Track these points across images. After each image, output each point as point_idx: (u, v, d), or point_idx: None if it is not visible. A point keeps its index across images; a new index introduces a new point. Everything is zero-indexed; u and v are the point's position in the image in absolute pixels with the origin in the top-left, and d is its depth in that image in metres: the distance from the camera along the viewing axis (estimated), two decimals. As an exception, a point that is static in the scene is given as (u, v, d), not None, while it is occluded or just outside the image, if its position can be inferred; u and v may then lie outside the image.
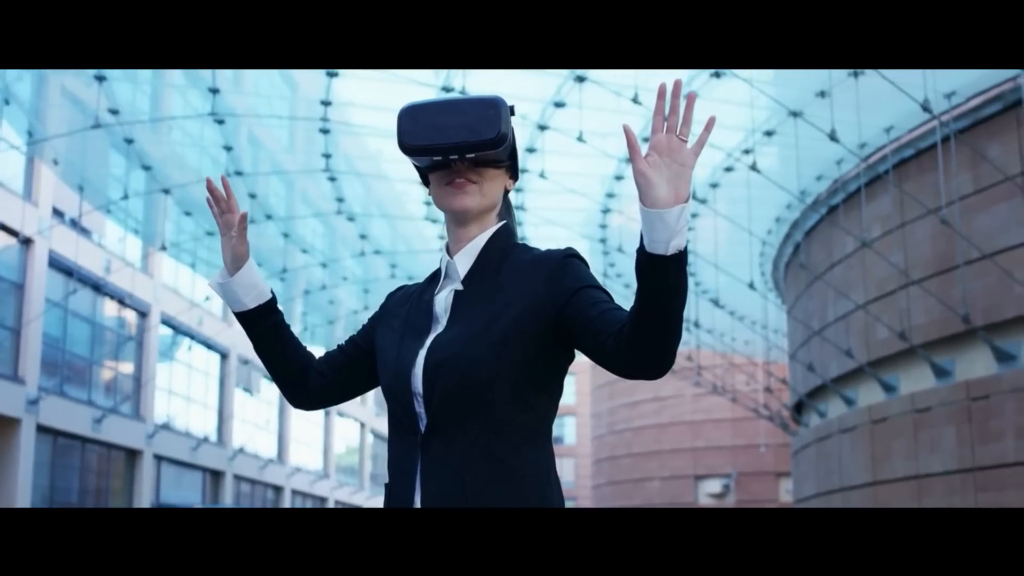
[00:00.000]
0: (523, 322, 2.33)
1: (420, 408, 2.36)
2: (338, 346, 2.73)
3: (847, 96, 15.55)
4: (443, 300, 2.47)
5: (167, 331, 29.42)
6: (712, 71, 16.21)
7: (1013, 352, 15.31)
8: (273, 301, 2.67)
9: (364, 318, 21.62)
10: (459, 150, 2.38)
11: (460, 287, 2.45)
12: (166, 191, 21.83)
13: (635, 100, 15.98)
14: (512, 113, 2.42)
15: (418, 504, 2.33)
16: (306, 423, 41.25)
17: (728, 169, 19.44)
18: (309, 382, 2.68)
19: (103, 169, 22.99)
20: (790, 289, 24.52)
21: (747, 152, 18.45)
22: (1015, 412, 14.86)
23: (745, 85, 16.23)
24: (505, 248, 2.49)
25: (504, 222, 2.54)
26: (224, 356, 33.09)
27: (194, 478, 31.02)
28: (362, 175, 23.26)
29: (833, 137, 15.12)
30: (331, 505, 42.99)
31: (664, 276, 2.06)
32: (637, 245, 2.10)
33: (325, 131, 18.82)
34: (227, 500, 32.06)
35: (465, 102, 2.40)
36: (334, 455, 44.14)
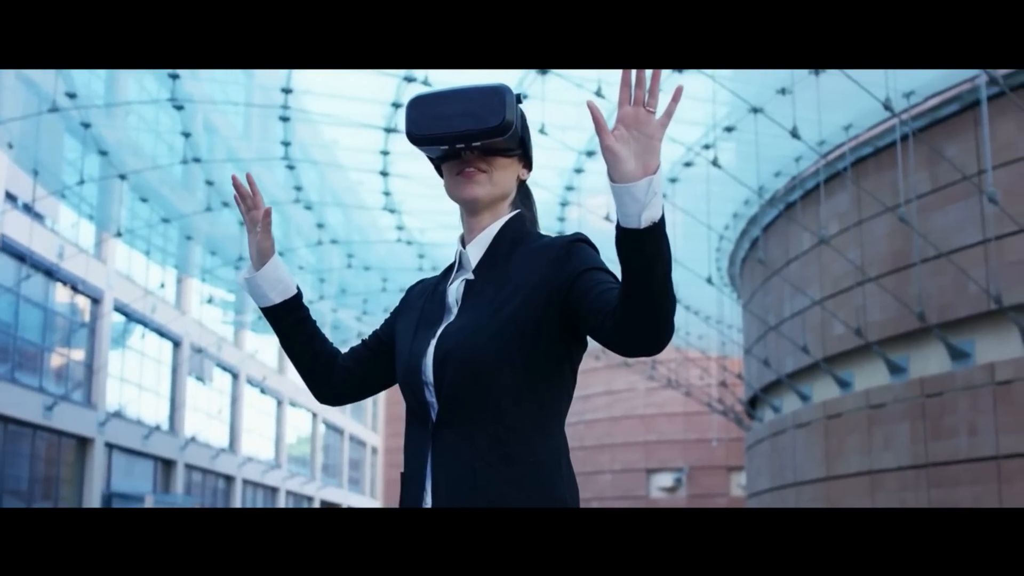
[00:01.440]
0: (528, 309, 2.32)
1: (432, 397, 2.36)
2: (362, 341, 2.74)
3: (808, 93, 15.65)
4: (455, 290, 2.47)
5: (120, 318, 29.13)
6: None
7: (967, 350, 15.48)
8: (299, 296, 2.69)
9: (319, 307, 21.47)
10: (465, 138, 2.38)
11: (471, 277, 2.45)
12: (122, 177, 21.60)
13: (598, 93, 16.00)
14: (519, 101, 2.41)
15: (429, 492, 2.33)
16: (258, 413, 41.04)
17: (688, 164, 19.51)
18: (335, 377, 2.69)
19: (58, 154, 22.72)
20: (746, 284, 24.66)
21: (707, 147, 18.53)
22: (968, 409, 15.03)
23: (707, 80, 16.28)
24: (517, 237, 2.48)
25: (517, 211, 2.54)
26: (177, 344, 32.82)
27: (145, 467, 30.76)
28: (318, 163, 23.14)
29: (795, 134, 15.21)
30: (281, 495, 42.80)
31: (640, 250, 2.03)
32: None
33: (285, 119, 18.69)
34: (178, 489, 31.83)
35: (471, 90, 2.39)
36: (286, 445, 43.93)
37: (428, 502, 2.33)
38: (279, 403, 43.41)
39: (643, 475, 44.27)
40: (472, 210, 2.49)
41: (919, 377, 16.21)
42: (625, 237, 2.04)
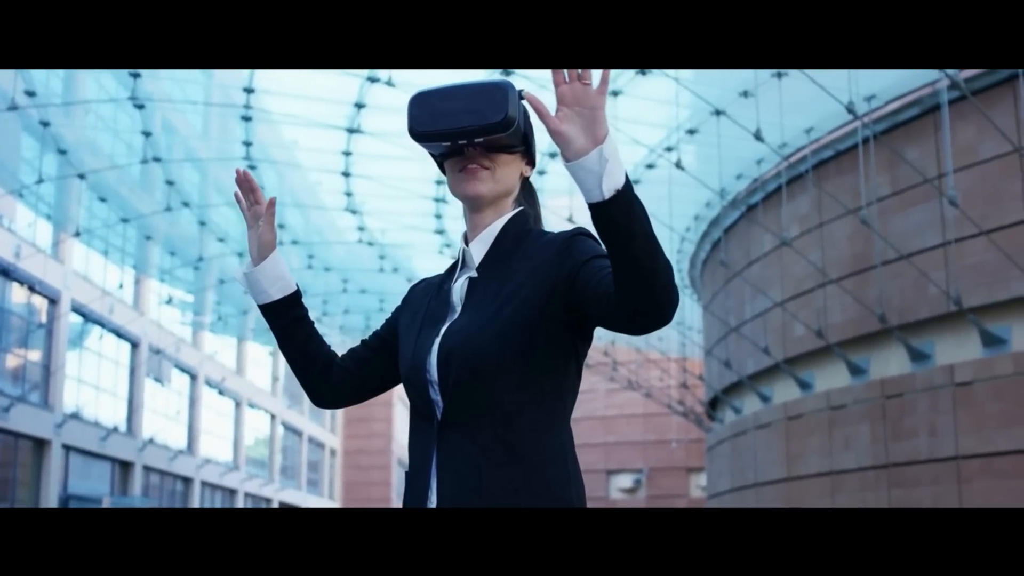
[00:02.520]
0: (531, 306, 2.31)
1: (436, 396, 2.35)
2: (362, 341, 2.71)
3: (770, 96, 15.73)
4: (459, 288, 2.46)
5: (77, 319, 28.84)
6: (638, 69, 16.30)
7: (927, 351, 15.62)
8: (298, 293, 2.67)
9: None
10: (467, 134, 2.37)
11: (475, 274, 2.44)
12: (81, 176, 21.40)
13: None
14: (521, 97, 2.38)
15: (434, 491, 2.31)
16: (216, 414, 40.76)
17: (650, 166, 19.57)
18: (333, 378, 2.65)
19: (15, 152, 22.47)
20: (707, 286, 24.77)
21: (669, 149, 18.59)
22: (928, 410, 15.17)
23: (669, 83, 16.34)
24: (519, 234, 2.47)
25: (520, 208, 2.53)
26: (135, 345, 32.54)
27: (103, 469, 30.48)
28: (277, 163, 23.02)
29: (758, 136, 15.28)
30: (240, 497, 42.55)
31: (613, 220, 2.02)
32: None
33: (247, 119, 18.57)
34: (136, 491, 31.56)
35: (473, 86, 2.38)
36: (244, 447, 43.68)
37: (433, 501, 2.32)
38: (237, 404, 43.14)
39: (603, 476, 44.39)
40: (475, 207, 2.48)
41: (879, 378, 16.35)
42: (595, 213, 2.04)
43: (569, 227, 2.47)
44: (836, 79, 14.15)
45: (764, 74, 15.46)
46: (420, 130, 2.40)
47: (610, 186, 2.01)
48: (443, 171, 2.53)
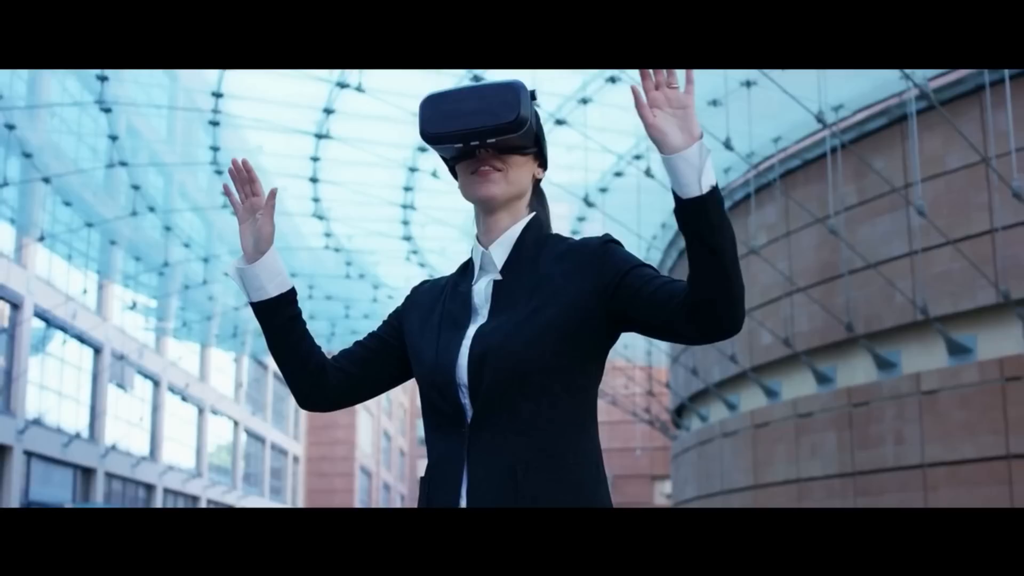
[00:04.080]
0: (570, 311, 2.30)
1: (465, 399, 2.32)
2: (357, 343, 2.63)
3: (739, 106, 15.80)
4: (482, 291, 2.42)
5: (40, 324, 28.58)
6: (607, 76, 16.35)
7: (893, 360, 15.73)
8: (294, 291, 2.55)
9: (244, 313, 21.10)
10: (479, 135, 2.34)
11: (499, 277, 2.41)
12: (46, 180, 21.20)
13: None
14: (533, 98, 2.38)
15: (464, 496, 2.28)
16: (179, 421, 40.49)
17: (618, 174, 19.61)
18: (329, 380, 2.56)
19: (-23, 156, 22.25)
20: (673, 294, 24.80)
21: (638, 157, 18.64)
22: (894, 418, 15.27)
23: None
24: (538, 239, 2.45)
25: (534, 213, 2.50)
26: (98, 351, 32.28)
27: (65, 475, 30.20)
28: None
29: (728, 145, 15.34)
30: (203, 504, 42.27)
31: (706, 217, 2.08)
32: (674, 201, 2.11)
33: (214, 123, 18.46)
34: (98, 498, 31.29)
35: (484, 87, 2.37)
36: (207, 454, 43.41)
37: (463, 503, 2.29)
38: (200, 411, 42.86)
39: (567, 484, 44.35)
40: (488, 209, 2.45)
41: (846, 387, 16.44)
42: (689, 207, 2.08)
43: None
44: (805, 88, 14.22)
45: (733, 83, 15.53)
46: (432, 132, 2.38)
47: (707, 181, 2.07)
48: (454, 175, 2.50)
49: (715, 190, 2.08)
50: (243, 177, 2.53)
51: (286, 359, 2.55)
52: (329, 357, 2.60)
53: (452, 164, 2.49)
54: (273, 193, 2.50)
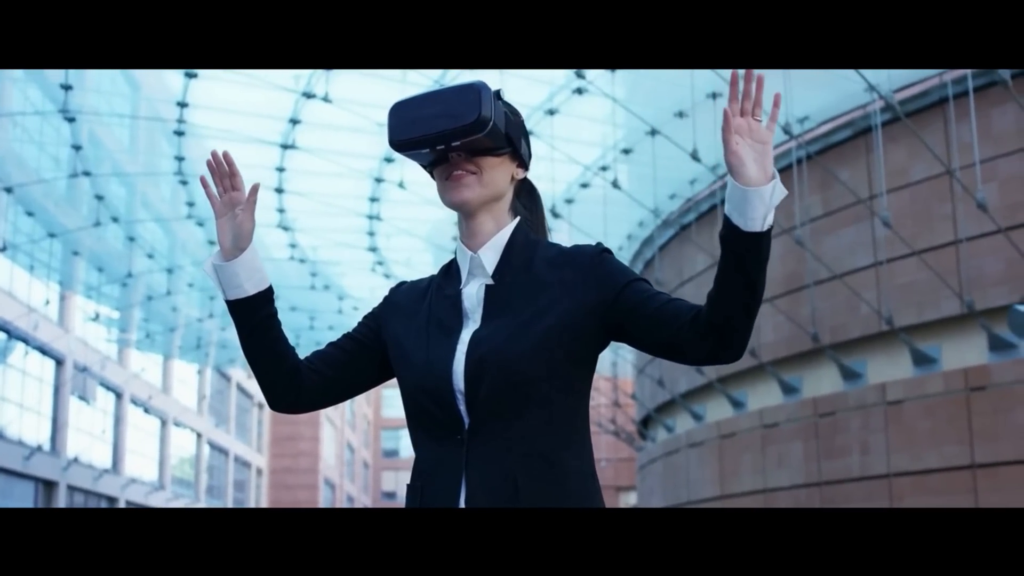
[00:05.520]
0: (568, 320, 2.30)
1: (461, 406, 2.29)
2: (331, 344, 2.57)
3: (705, 117, 15.85)
4: (474, 295, 2.40)
5: (1, 335, 28.30)
6: (574, 88, 16.37)
7: (859, 370, 15.81)
8: (272, 289, 2.48)
9: (208, 325, 20.88)
10: (443, 138, 2.33)
11: (491, 281, 2.39)
12: (8, 190, 20.99)
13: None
14: (499, 97, 2.37)
15: (463, 502, 2.27)
16: (142, 433, 40.18)
17: (584, 185, 19.65)
18: (303, 382, 2.49)
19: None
20: (639, 305, 24.83)
21: (604, 169, 18.68)
22: (860, 428, 15.34)
23: (606, 102, 16.42)
24: (527, 243, 2.44)
25: (519, 217, 2.48)
26: (60, 363, 31.99)
27: (26, 488, 29.88)
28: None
29: (695, 157, 15.39)
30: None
31: (758, 251, 2.13)
32: (724, 226, 2.14)
33: (180, 133, 18.35)
34: (59, 512, 30.96)
35: (445, 91, 2.36)
36: (170, 466, 43.10)
37: None
38: (163, 423, 42.58)
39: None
40: (467, 213, 2.43)
41: (812, 397, 16.51)
42: (745, 239, 2.12)
43: None
44: (771, 100, 14.26)
45: (700, 95, 15.59)
46: (398, 139, 2.38)
47: (769, 219, 2.13)
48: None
49: (770, 228, 2.13)
50: (223, 170, 2.43)
51: (260, 359, 2.47)
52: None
53: (430, 171, 2.48)
54: (255, 188, 2.43)
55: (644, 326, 2.27)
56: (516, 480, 2.23)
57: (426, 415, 2.35)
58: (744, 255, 2.12)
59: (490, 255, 2.41)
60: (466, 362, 2.29)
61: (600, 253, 2.38)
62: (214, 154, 2.43)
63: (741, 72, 2.18)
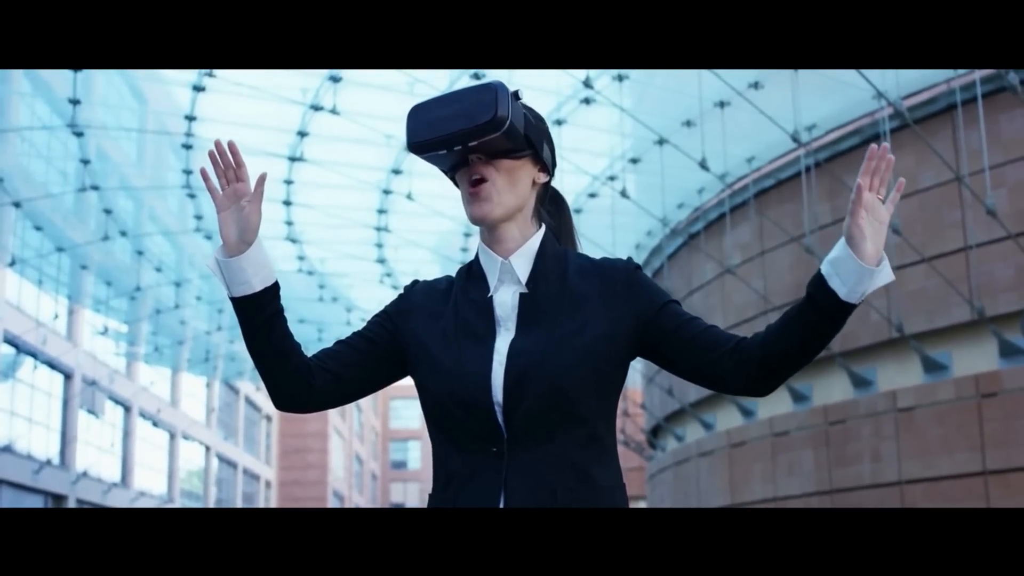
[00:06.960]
0: (611, 333, 2.30)
1: (499, 416, 2.25)
2: (341, 343, 2.47)
3: (713, 126, 15.86)
4: (507, 302, 2.35)
5: (9, 350, 28.34)
6: (582, 98, 16.37)
7: (869, 378, 15.78)
8: (278, 284, 2.37)
9: (216, 338, 20.87)
10: (460, 138, 2.29)
11: (524, 290, 2.35)
12: (16, 204, 21.04)
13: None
14: (517, 98, 2.33)
15: None
16: (150, 447, 40.20)
17: (592, 195, 19.64)
18: (313, 380, 2.37)
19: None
20: (647, 314, 24.80)
21: (612, 179, 18.68)
22: (871, 436, 15.31)
23: (613, 112, 16.43)
24: (557, 252, 2.41)
25: (544, 225, 2.45)
26: (68, 377, 32.03)
27: (35, 502, 29.90)
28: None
29: (703, 165, 15.39)
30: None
31: (842, 320, 2.22)
32: (818, 284, 2.23)
33: (187, 146, 18.37)
34: (69, 526, 30.95)
35: (462, 92, 2.32)
36: (179, 479, 43.10)
37: None
38: (172, 436, 42.59)
39: (541, 506, 44.23)
40: (490, 226, 2.39)
41: (822, 405, 16.48)
42: (836, 305, 2.20)
43: None
44: (778, 109, 14.30)
45: (707, 103, 15.60)
46: (415, 141, 2.33)
47: (864, 296, 2.22)
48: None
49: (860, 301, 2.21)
50: (227, 161, 2.32)
51: (267, 357, 2.35)
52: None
53: (452, 177, 2.45)
54: (263, 178, 2.33)
55: (681, 349, 2.31)
56: (556, 492, 2.22)
57: (458, 425, 2.30)
58: (827, 320, 2.21)
59: (521, 263, 2.37)
60: (505, 374, 2.25)
61: (636, 270, 2.38)
62: (217, 144, 2.33)
63: (878, 148, 2.21)
